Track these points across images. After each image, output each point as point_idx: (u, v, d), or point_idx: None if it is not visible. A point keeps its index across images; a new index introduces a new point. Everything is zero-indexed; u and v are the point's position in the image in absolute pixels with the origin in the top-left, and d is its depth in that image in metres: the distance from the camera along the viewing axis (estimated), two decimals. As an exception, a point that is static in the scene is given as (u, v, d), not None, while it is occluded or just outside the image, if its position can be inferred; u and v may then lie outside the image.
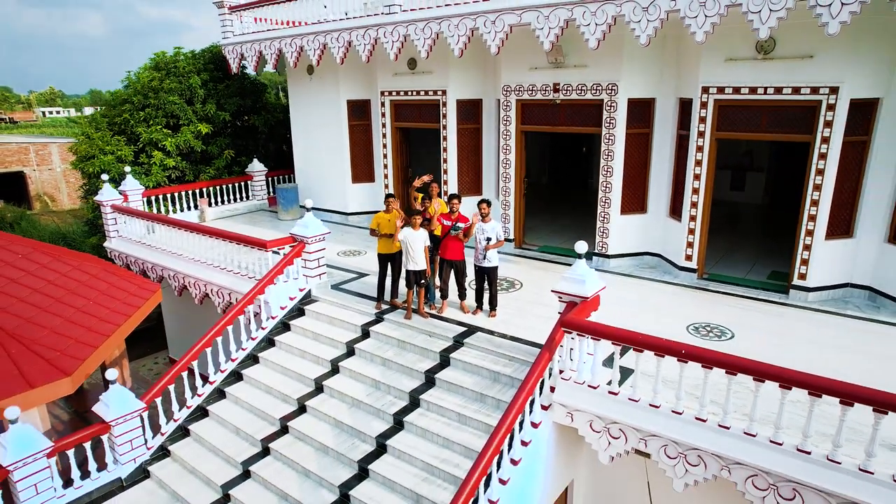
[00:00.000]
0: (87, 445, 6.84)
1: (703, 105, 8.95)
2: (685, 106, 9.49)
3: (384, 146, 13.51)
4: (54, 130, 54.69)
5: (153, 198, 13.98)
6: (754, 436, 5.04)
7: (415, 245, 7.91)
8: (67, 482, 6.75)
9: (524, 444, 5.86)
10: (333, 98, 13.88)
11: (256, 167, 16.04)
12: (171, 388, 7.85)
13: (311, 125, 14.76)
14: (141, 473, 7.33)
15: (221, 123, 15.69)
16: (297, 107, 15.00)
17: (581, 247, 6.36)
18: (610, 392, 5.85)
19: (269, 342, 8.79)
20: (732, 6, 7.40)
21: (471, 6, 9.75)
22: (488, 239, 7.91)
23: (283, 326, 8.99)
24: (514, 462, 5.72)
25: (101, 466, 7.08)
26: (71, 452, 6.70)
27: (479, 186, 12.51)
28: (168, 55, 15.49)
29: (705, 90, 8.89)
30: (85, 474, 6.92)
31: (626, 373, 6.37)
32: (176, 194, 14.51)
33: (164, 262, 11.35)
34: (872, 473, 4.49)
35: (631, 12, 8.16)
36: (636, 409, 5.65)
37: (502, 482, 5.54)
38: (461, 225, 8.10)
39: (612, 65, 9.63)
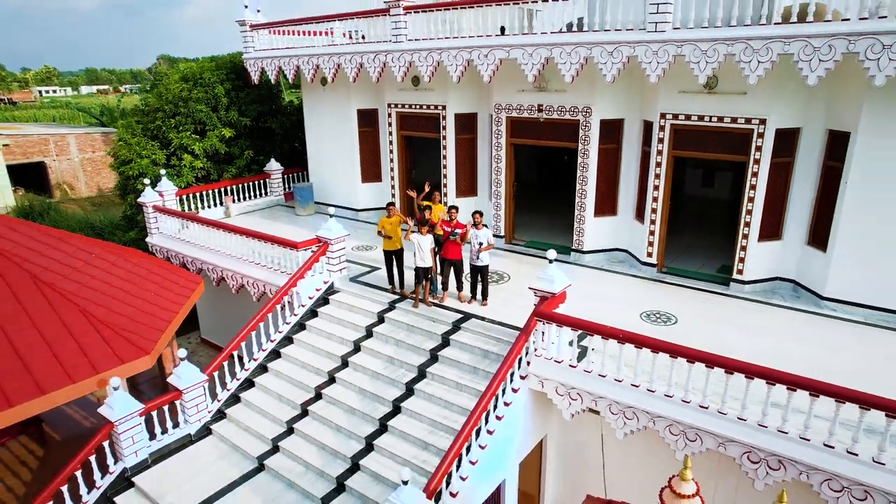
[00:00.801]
0: (166, 408, 8.75)
1: (662, 128, 10.69)
2: (648, 127, 11.21)
3: (391, 151, 15.21)
4: (56, 112, 56.06)
5: (184, 196, 15.73)
6: (671, 396, 6.94)
7: (423, 247, 9.76)
8: (151, 436, 8.66)
9: (506, 404, 7.76)
10: (345, 107, 15.55)
11: (273, 166, 17.76)
12: (225, 364, 9.71)
13: (324, 130, 16.45)
14: (205, 431, 9.24)
15: (242, 127, 17.37)
16: (311, 113, 16.66)
17: (551, 254, 8.19)
18: (570, 365, 7.74)
19: (300, 326, 10.65)
20: (678, 55, 9.14)
21: (467, 41, 11.44)
22: (480, 243, 9.72)
23: (312, 313, 10.84)
24: (498, 418, 7.62)
25: (175, 425, 8.98)
26: (154, 413, 8.60)
27: (475, 189, 14.27)
28: (195, 66, 17.11)
29: (663, 115, 10.62)
30: (164, 430, 8.82)
31: (585, 351, 8.23)
32: (204, 193, 16.25)
33: (203, 256, 13.16)
34: (745, 420, 6.40)
35: (599, 55, 9.88)
36: (589, 378, 7.55)
37: (489, 433, 7.45)
38: (458, 231, 9.90)
39: (587, 91, 11.34)
